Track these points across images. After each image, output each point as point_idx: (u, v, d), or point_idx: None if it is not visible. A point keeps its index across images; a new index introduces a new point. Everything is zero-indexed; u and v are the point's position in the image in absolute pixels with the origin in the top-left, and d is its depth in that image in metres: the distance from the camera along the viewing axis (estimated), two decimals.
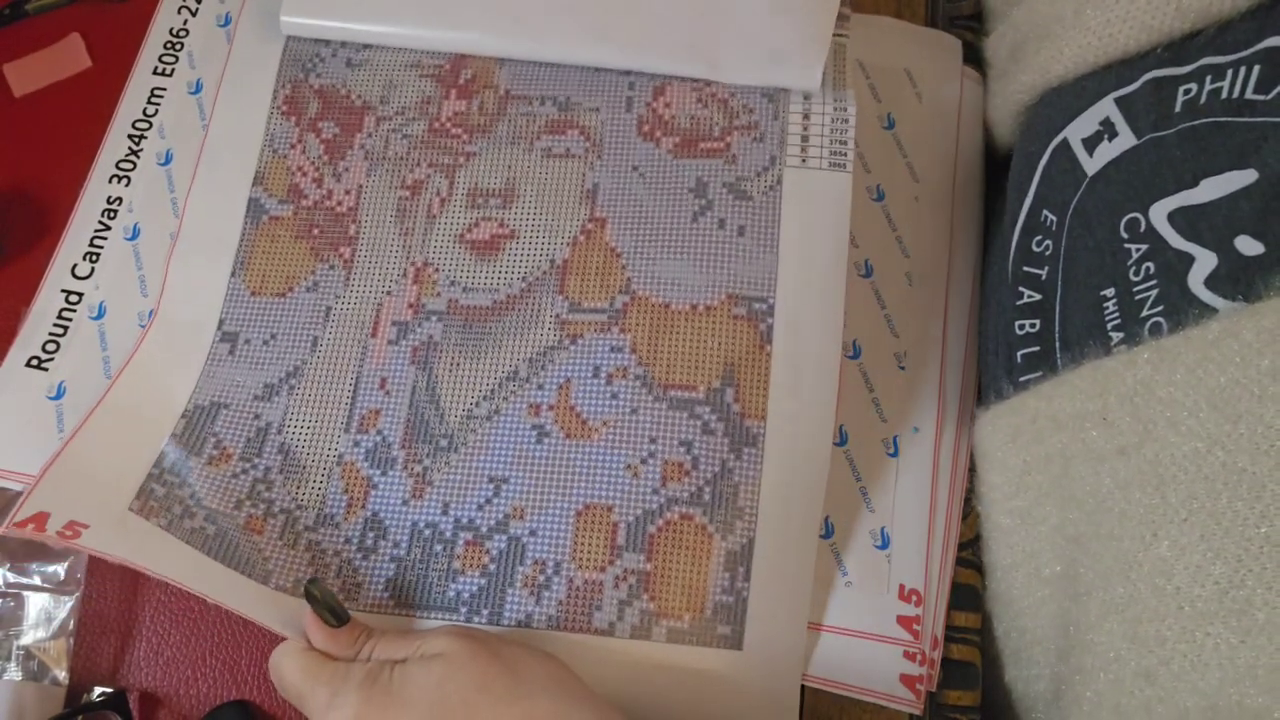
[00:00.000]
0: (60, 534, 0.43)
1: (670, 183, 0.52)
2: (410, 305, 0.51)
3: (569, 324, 0.50)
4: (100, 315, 0.52)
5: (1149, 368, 0.38)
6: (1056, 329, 0.45)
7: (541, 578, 0.45)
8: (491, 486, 0.47)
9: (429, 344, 0.50)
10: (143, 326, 0.52)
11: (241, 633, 0.48)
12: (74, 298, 0.52)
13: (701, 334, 0.49)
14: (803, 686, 0.45)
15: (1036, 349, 0.46)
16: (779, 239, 0.50)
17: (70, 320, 0.52)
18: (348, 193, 0.54)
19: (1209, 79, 0.41)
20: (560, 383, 0.49)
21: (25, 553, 0.47)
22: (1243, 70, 0.40)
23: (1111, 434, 0.39)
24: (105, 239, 0.54)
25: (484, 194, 0.53)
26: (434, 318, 0.51)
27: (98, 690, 0.46)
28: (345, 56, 0.57)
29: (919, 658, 0.46)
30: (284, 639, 0.42)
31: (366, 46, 0.57)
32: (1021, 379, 0.45)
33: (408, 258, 0.52)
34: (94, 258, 0.53)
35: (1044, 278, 0.46)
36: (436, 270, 0.52)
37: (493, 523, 0.46)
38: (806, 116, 0.52)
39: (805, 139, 0.51)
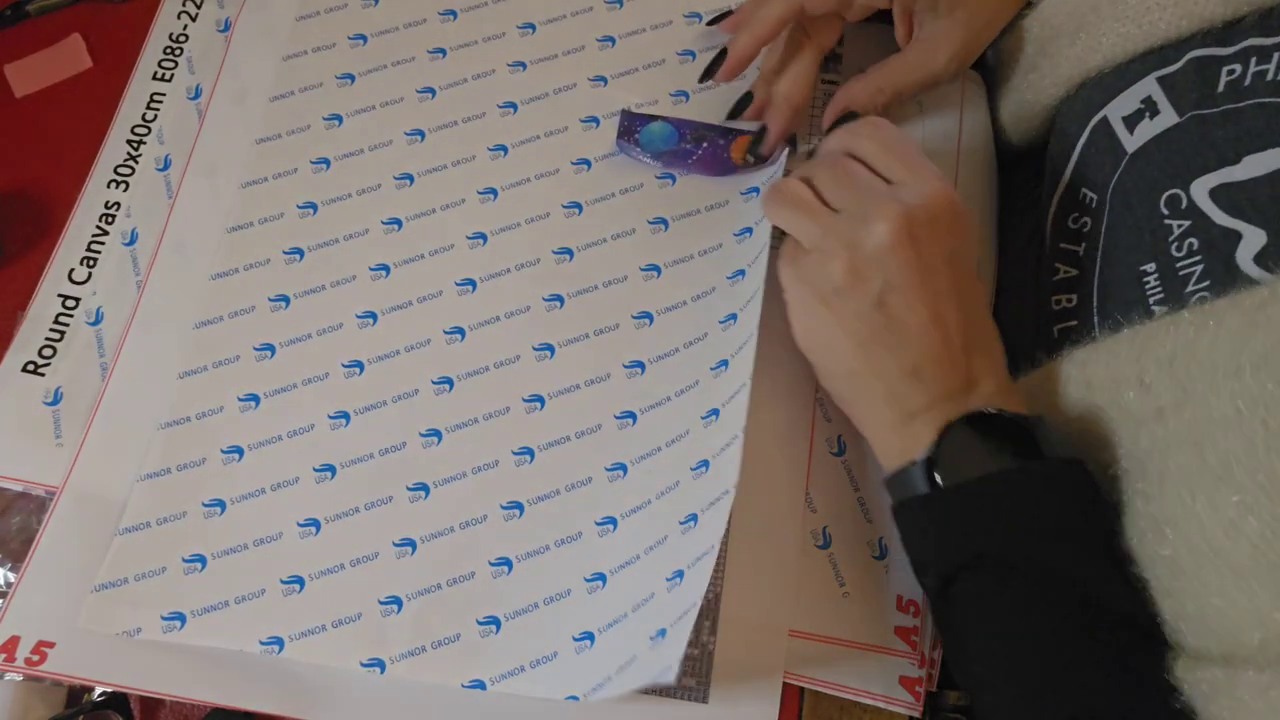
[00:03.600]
0: (28, 660, 0.46)
1: None
2: None
3: None
4: (98, 321, 0.53)
5: (1191, 329, 0.38)
6: (1095, 303, 0.45)
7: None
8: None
9: None
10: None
11: None
12: (71, 302, 0.53)
13: None
14: (802, 689, 0.46)
15: (1074, 323, 0.46)
16: None
17: (67, 325, 0.53)
18: None
19: (1254, 61, 0.41)
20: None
21: (24, 552, 0.48)
22: None
23: (1149, 397, 0.40)
24: (103, 244, 0.54)
25: None
26: None
27: (98, 690, 0.47)
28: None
29: (918, 661, 0.46)
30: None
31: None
32: (1059, 354, 0.45)
33: None
34: (91, 263, 0.54)
35: (1081, 253, 0.46)
36: None
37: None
38: None
39: None
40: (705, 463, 0.47)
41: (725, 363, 0.50)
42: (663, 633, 0.42)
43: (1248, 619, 0.35)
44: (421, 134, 0.56)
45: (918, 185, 0.44)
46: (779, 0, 0.51)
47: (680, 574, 0.45)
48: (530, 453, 0.49)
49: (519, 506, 0.48)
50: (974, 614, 0.41)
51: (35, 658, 0.46)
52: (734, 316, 0.50)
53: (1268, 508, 0.34)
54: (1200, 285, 0.40)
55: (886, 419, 0.44)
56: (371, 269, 0.53)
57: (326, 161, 0.56)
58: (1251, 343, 0.36)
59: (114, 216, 0.55)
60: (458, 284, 0.52)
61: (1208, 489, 0.37)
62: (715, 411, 0.48)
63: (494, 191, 0.55)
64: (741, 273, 0.52)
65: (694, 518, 0.46)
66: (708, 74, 0.55)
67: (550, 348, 0.51)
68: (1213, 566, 0.36)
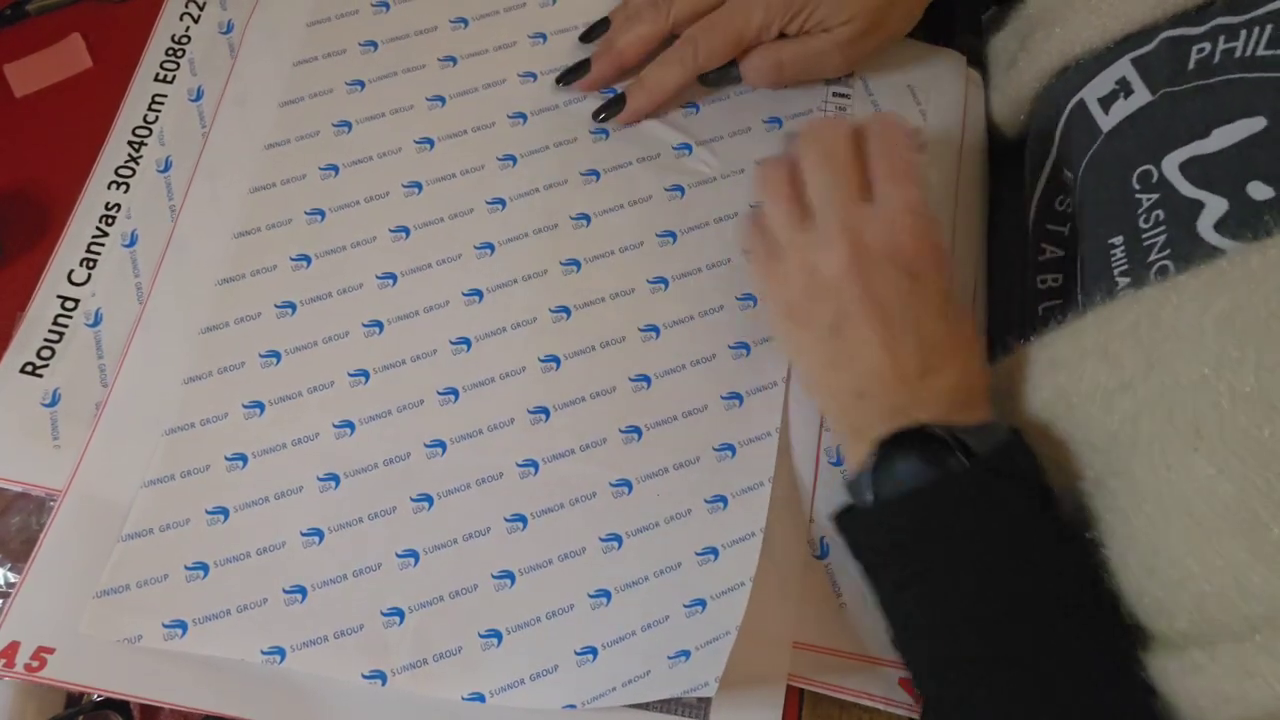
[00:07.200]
0: (28, 666, 0.45)
1: None
2: None
3: None
4: (97, 323, 0.52)
5: (1152, 302, 0.39)
6: (1078, 281, 0.45)
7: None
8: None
9: None
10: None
11: None
12: (70, 304, 0.53)
13: None
14: (802, 690, 0.47)
15: (1059, 302, 0.47)
16: None
17: (66, 327, 0.52)
18: None
19: (1223, 39, 0.42)
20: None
21: (25, 552, 0.48)
22: (1255, 30, 0.41)
23: (1114, 369, 0.40)
24: (103, 245, 0.54)
25: None
26: None
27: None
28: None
29: None
30: None
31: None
32: (1032, 339, 0.45)
33: None
34: (91, 264, 0.54)
35: (1066, 234, 0.47)
36: None
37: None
38: None
39: None
40: (722, 498, 0.48)
41: (739, 397, 0.50)
42: (685, 654, 0.43)
43: (1228, 584, 0.35)
44: (431, 142, 0.56)
45: (884, 219, 0.44)
46: (647, 21, 0.54)
47: (702, 603, 0.45)
48: (534, 465, 0.49)
49: (522, 519, 0.48)
50: (919, 621, 0.41)
51: (35, 663, 0.45)
52: (745, 346, 0.51)
53: (1238, 469, 0.35)
54: (1162, 255, 0.41)
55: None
56: (378, 277, 0.53)
57: (335, 168, 0.55)
58: (1213, 306, 0.36)
59: (114, 218, 0.55)
60: (464, 294, 0.52)
61: (1180, 454, 0.37)
62: (730, 447, 0.49)
63: (502, 201, 0.55)
64: (750, 298, 0.52)
65: (713, 551, 0.46)
66: (565, 80, 0.57)
67: (556, 359, 0.51)
68: (1189, 533, 0.36)
